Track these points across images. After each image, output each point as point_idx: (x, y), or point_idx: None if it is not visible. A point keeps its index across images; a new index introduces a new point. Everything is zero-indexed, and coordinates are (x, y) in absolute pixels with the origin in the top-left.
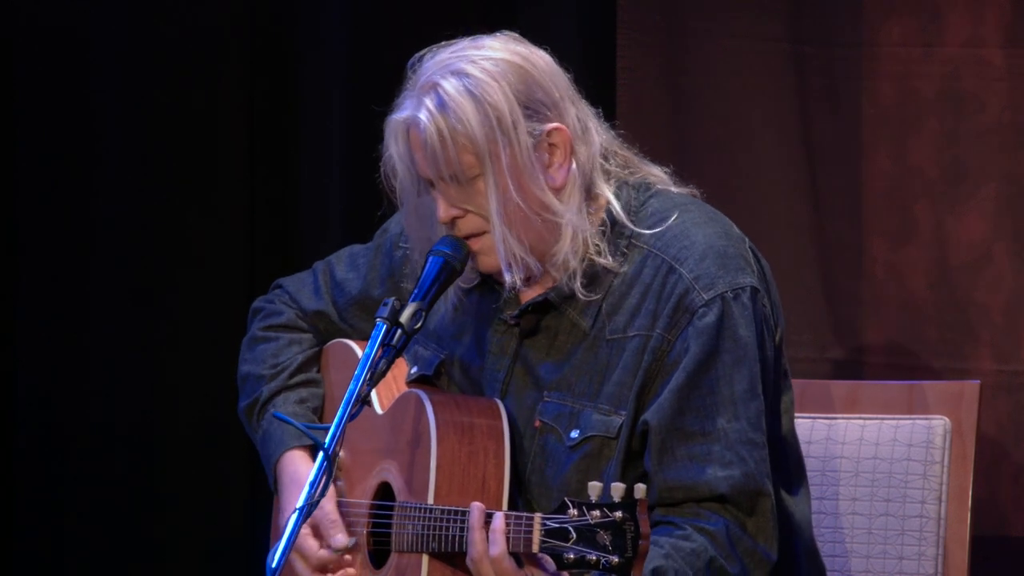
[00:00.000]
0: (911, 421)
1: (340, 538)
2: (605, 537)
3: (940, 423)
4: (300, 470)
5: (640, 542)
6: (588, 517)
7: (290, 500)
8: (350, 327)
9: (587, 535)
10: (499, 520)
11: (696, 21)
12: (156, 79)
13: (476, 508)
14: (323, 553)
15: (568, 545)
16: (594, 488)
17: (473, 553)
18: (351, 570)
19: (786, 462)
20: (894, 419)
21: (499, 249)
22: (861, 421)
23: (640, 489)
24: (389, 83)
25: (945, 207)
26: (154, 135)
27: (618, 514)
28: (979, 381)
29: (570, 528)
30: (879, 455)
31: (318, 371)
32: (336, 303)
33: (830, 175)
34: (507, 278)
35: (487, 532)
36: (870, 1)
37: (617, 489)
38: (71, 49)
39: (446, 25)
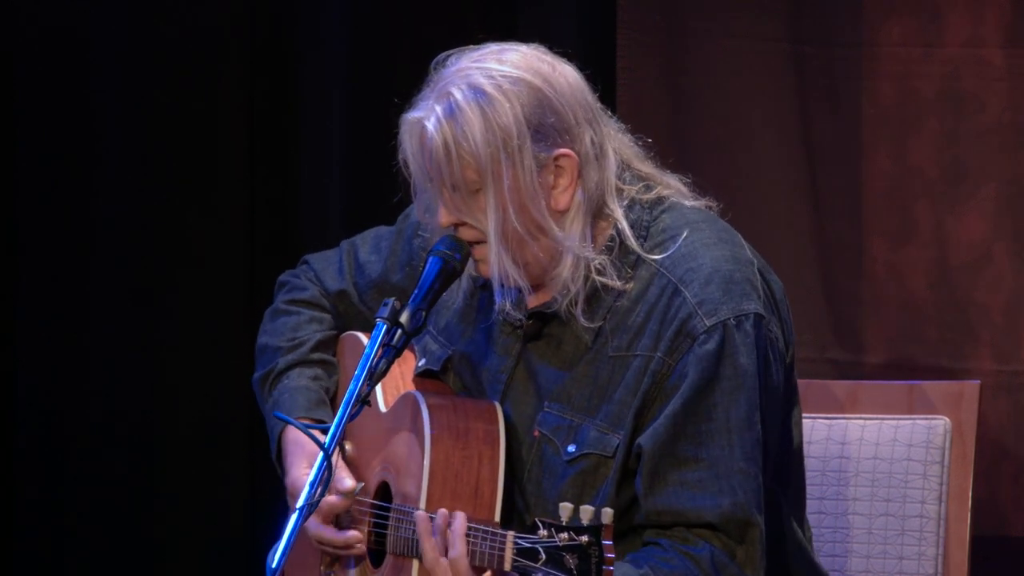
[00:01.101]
0: (911, 421)
1: (348, 481)
2: (571, 560)
3: (940, 423)
4: (303, 437)
5: (604, 568)
6: (556, 539)
7: (295, 461)
8: (368, 309)
9: (556, 557)
10: (460, 522)
11: (696, 21)
12: (156, 79)
13: (420, 517)
14: (332, 498)
15: (537, 566)
16: (565, 509)
17: (425, 561)
18: (355, 531)
19: (795, 477)
20: (894, 419)
21: (492, 268)
22: (861, 421)
23: (607, 514)
24: (389, 83)
25: (945, 207)
26: (154, 135)
27: (584, 538)
28: (979, 381)
29: (540, 549)
30: (879, 455)
31: (334, 355)
32: (357, 284)
33: (830, 175)
34: (497, 298)
35: (439, 539)
36: (870, 1)
37: (586, 512)
38: (71, 49)
39: (446, 25)
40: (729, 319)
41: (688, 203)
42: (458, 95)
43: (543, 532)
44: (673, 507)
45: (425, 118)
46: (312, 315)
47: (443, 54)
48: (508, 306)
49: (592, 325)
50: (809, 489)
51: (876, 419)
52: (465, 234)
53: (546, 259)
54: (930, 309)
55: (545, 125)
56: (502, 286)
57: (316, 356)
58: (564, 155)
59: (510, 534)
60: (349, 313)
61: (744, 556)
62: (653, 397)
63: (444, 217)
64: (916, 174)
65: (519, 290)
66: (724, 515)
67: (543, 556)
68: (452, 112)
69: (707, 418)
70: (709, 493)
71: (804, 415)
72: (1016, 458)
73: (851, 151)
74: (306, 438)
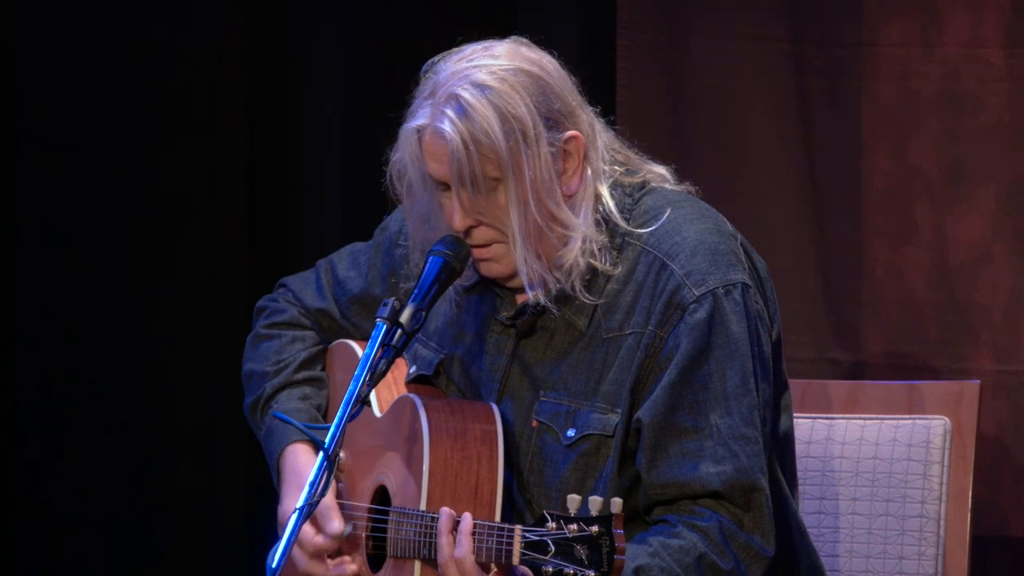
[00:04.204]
0: (911, 421)
1: (336, 524)
2: (582, 551)
3: (940, 423)
4: (300, 461)
5: (615, 557)
6: (566, 531)
7: (289, 491)
8: (352, 325)
9: (565, 548)
10: (467, 522)
11: (696, 21)
12: (156, 79)
13: (444, 513)
14: (319, 540)
15: (547, 558)
16: (573, 501)
17: (440, 557)
18: (348, 561)
19: (789, 460)
20: (894, 419)
21: (520, 265)
22: (861, 421)
23: (616, 504)
24: (389, 84)
25: (945, 207)
26: (154, 135)
27: (594, 528)
28: (979, 381)
29: (549, 541)
30: (879, 455)
31: (322, 369)
32: (338, 301)
33: (830, 175)
34: (528, 294)
35: (454, 536)
36: (870, 1)
37: (595, 503)
38: (71, 50)
39: (446, 26)
40: (717, 288)
41: (669, 187)
42: (466, 95)
43: (551, 524)
44: (677, 479)
45: (436, 122)
46: (294, 335)
47: (429, 61)
48: (542, 297)
49: (592, 301)
50: (809, 489)
51: (876, 419)
52: (479, 236)
53: (558, 245)
54: (930, 309)
55: (552, 111)
56: (531, 284)
57: (302, 375)
58: (572, 137)
59: (518, 528)
60: (332, 329)
61: (752, 523)
62: (647, 371)
63: (460, 221)
64: (916, 174)
65: (544, 284)
66: (728, 481)
67: (552, 548)
68: (465, 111)
69: (703, 387)
70: (711, 460)
71: (805, 415)
72: (1016, 458)
73: (851, 151)
74: (303, 464)
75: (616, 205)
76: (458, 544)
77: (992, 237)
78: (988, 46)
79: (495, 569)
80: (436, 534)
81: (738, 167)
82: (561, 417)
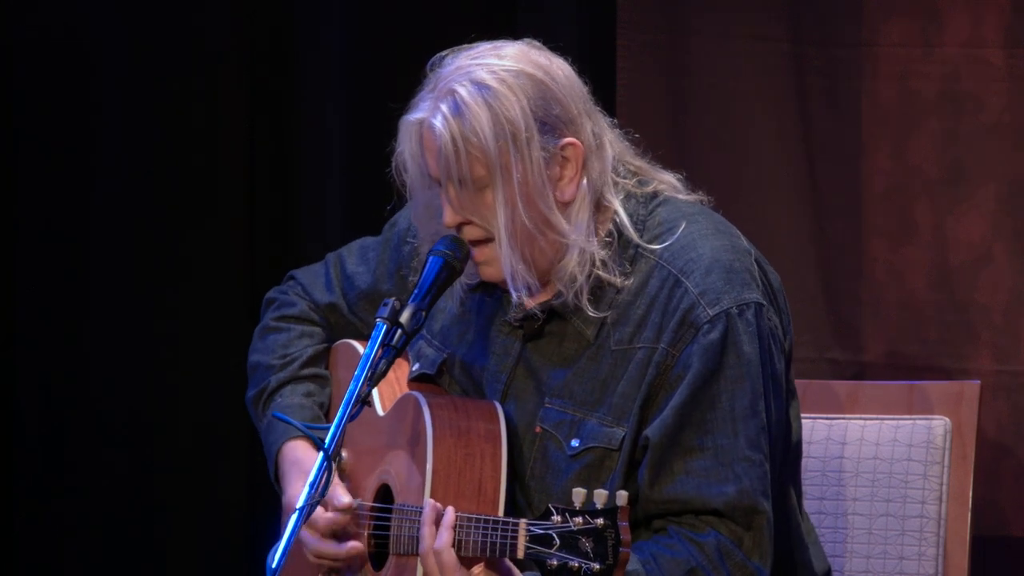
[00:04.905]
0: (911, 421)
1: (344, 498)
2: (587, 544)
3: (940, 423)
4: (302, 456)
5: (621, 550)
6: (571, 524)
7: (293, 480)
8: (360, 320)
9: (570, 541)
10: (449, 515)
11: (696, 21)
12: (156, 79)
13: (429, 505)
14: (330, 515)
15: (552, 551)
16: (578, 494)
17: (420, 548)
18: (355, 542)
19: (798, 470)
20: (894, 419)
21: (504, 266)
22: (861, 421)
23: (622, 496)
24: (389, 84)
25: (945, 207)
26: (155, 135)
27: (599, 521)
28: (979, 381)
29: (554, 534)
30: (879, 455)
31: (326, 368)
32: (346, 296)
33: (830, 175)
34: (513, 294)
35: (436, 528)
36: (870, 1)
37: (600, 496)
38: (71, 50)
39: (446, 26)
40: (731, 308)
41: (682, 197)
42: (463, 92)
43: (556, 518)
44: (680, 496)
45: (430, 116)
46: (302, 330)
47: (438, 55)
48: (525, 299)
49: (599, 315)
50: (809, 489)
51: (876, 419)
52: (470, 233)
53: (552, 253)
54: (930, 309)
55: (551, 116)
56: (515, 283)
57: (308, 372)
58: (570, 144)
59: (523, 522)
60: (340, 325)
61: (751, 543)
62: (658, 388)
63: (450, 217)
64: (916, 174)
65: (528, 288)
66: (730, 503)
67: (557, 541)
68: (459, 108)
69: (711, 407)
70: (714, 481)
71: (804, 415)
72: (1016, 458)
73: (851, 151)
74: (304, 456)
75: (629, 216)
76: (438, 536)
77: (992, 237)
78: (988, 46)
79: (481, 564)
80: (420, 524)
81: (738, 167)
82: (565, 426)
